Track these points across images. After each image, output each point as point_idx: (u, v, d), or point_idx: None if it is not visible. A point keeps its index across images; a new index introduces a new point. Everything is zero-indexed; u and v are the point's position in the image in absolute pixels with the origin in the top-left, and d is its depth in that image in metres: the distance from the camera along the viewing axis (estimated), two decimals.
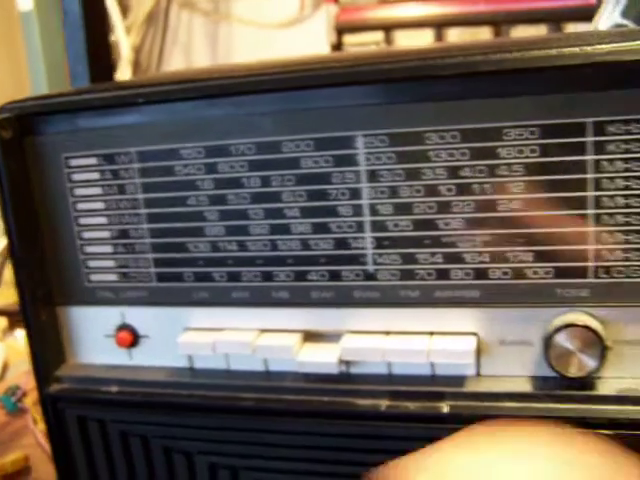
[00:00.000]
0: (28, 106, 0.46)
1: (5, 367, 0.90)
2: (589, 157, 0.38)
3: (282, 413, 0.45)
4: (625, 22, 0.75)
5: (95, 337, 0.49)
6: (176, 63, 1.54)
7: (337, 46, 1.22)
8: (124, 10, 1.42)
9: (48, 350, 0.50)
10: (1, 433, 0.74)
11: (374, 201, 0.42)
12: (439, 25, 1.15)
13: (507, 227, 0.40)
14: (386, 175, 0.41)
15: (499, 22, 1.09)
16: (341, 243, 0.43)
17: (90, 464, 0.51)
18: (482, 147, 0.39)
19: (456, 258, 0.41)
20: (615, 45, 0.36)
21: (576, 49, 0.37)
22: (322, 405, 0.44)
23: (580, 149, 0.38)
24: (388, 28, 1.20)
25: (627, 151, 0.38)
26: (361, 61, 0.41)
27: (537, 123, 0.39)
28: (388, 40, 1.20)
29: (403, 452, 0.43)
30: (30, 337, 0.49)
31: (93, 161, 0.46)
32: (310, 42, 1.34)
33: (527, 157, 0.39)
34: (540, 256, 0.40)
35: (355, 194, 0.42)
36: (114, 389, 0.48)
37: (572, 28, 1.05)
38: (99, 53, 0.54)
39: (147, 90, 0.44)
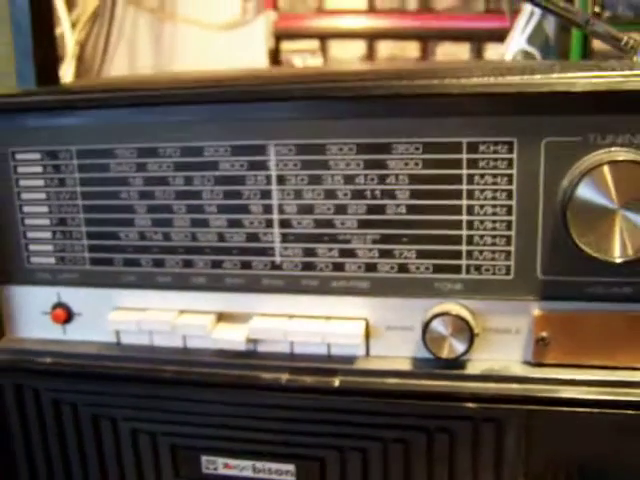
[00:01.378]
0: None
1: None
2: (464, 171, 0.45)
3: (197, 384, 0.51)
4: (530, 49, 0.83)
5: (33, 314, 0.55)
6: (120, 59, 1.57)
7: (274, 51, 1.28)
8: (70, 4, 1.45)
9: None
10: None
11: (282, 201, 0.48)
12: (371, 37, 1.23)
13: (394, 228, 0.47)
14: (292, 179, 0.47)
15: (425, 38, 1.17)
16: (252, 237, 0.49)
17: (24, 430, 0.56)
18: (374, 159, 0.46)
19: (350, 253, 0.48)
20: (484, 79, 0.43)
21: (453, 80, 0.43)
22: (232, 377, 0.50)
23: (456, 164, 0.45)
24: (323, 37, 1.27)
25: (495, 167, 0.45)
26: (272, 81, 0.47)
27: (421, 140, 0.45)
28: (323, 48, 1.27)
29: (300, 421, 0.50)
30: None
31: (37, 156, 0.52)
32: (250, 46, 1.39)
33: (412, 169, 0.46)
34: (421, 254, 0.47)
35: (265, 195, 0.48)
36: (48, 360, 0.54)
37: (490, 47, 1.13)
38: (46, 54, 0.59)
39: (87, 96, 0.49)
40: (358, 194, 0.47)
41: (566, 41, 0.86)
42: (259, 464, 0.52)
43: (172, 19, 1.52)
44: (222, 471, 0.53)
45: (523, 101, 0.43)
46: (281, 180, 0.48)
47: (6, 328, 0.56)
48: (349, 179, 0.47)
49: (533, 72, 0.43)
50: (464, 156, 0.45)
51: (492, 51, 1.16)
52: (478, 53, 1.17)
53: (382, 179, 0.46)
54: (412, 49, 1.20)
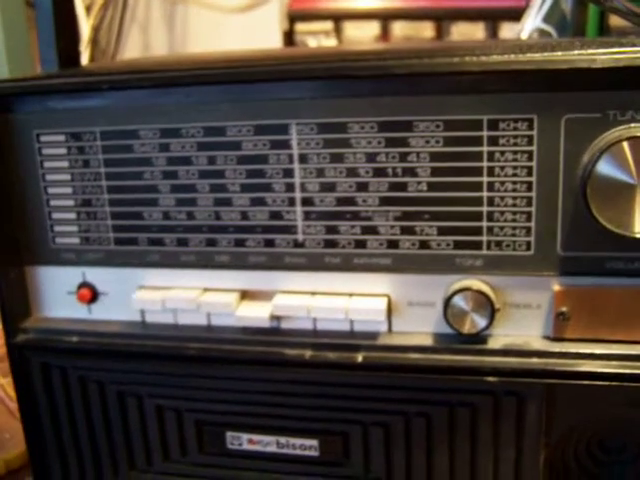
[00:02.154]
0: (4, 87, 0.52)
1: None
2: (484, 148, 0.46)
3: (221, 361, 0.52)
4: (546, 27, 0.83)
5: (58, 293, 0.56)
6: (133, 42, 1.58)
7: (289, 33, 1.28)
8: None
9: (16, 304, 0.56)
10: None
11: (304, 180, 0.48)
12: (385, 18, 1.23)
13: (415, 205, 0.47)
14: (314, 158, 0.48)
15: (440, 18, 1.17)
16: (275, 215, 0.50)
17: (52, 408, 0.57)
18: (395, 137, 0.47)
19: (372, 230, 0.48)
20: (505, 56, 0.43)
21: (474, 58, 0.44)
22: (256, 354, 0.51)
23: (477, 141, 0.46)
24: (337, 18, 1.27)
25: (515, 144, 0.45)
26: (294, 61, 0.48)
27: (442, 118, 0.46)
28: (337, 30, 1.27)
29: (323, 396, 0.50)
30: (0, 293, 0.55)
31: (61, 138, 0.52)
32: (264, 28, 1.39)
33: (432, 146, 0.46)
34: (442, 230, 0.48)
35: (288, 173, 0.49)
36: (74, 339, 0.54)
37: (505, 26, 1.13)
38: (68, 39, 0.59)
39: (111, 78, 0.50)
40: (379, 172, 0.47)
41: (582, 18, 0.87)
42: (283, 439, 0.53)
43: (185, 2, 1.52)
44: (246, 447, 0.54)
45: (543, 78, 0.44)
46: (303, 159, 0.48)
47: (33, 308, 0.57)
48: (370, 157, 0.47)
49: (554, 49, 0.44)
50: (484, 133, 0.45)
51: (507, 30, 1.16)
52: (493, 32, 1.17)
53: (403, 157, 0.47)
54: (426, 29, 1.20)
